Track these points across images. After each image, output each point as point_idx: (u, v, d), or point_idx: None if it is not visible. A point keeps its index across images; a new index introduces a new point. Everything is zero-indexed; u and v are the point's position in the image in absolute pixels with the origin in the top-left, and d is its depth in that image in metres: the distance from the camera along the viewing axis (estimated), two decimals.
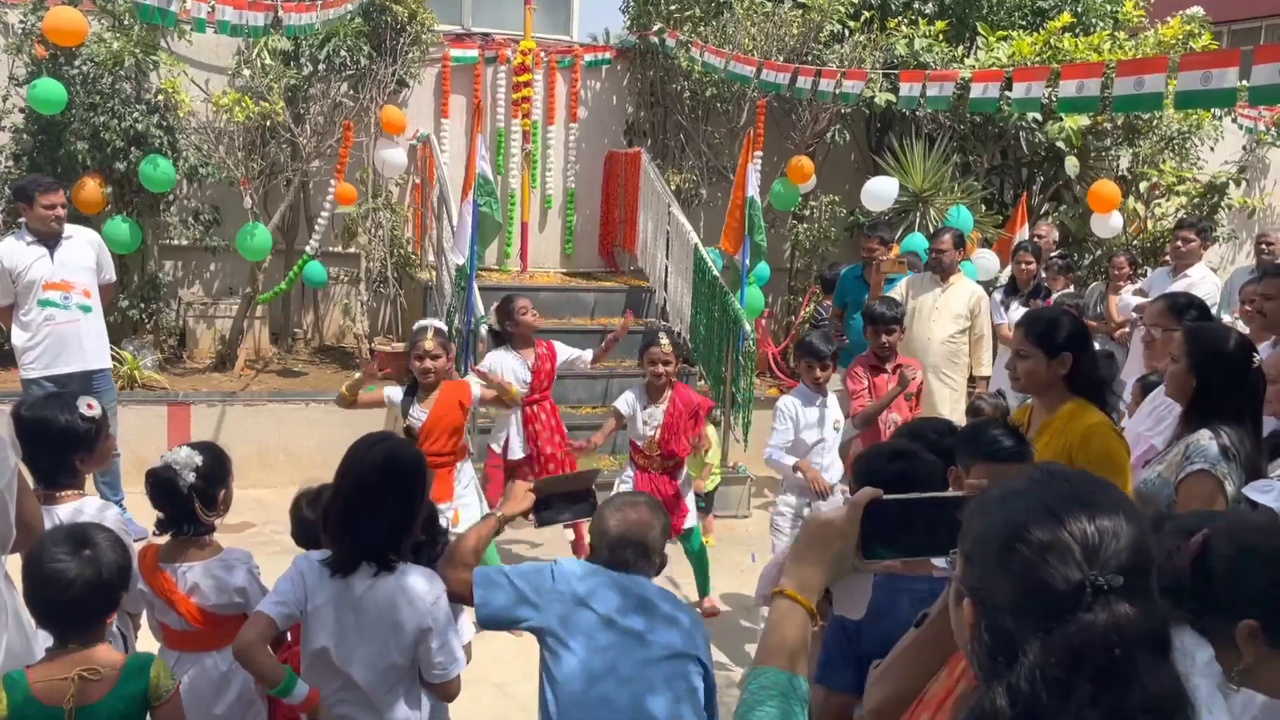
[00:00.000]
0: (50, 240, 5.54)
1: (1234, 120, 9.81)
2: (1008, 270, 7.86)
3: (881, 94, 8.16)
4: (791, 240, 9.23)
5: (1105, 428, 2.99)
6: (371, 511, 2.49)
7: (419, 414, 4.83)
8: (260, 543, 5.61)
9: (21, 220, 5.68)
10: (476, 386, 5.00)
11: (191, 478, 2.77)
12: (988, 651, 1.06)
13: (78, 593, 2.27)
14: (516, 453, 5.60)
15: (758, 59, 7.87)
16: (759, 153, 7.73)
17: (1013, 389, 3.55)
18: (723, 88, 8.78)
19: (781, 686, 1.33)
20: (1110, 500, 1.09)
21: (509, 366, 5.48)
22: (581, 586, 2.47)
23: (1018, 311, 6.87)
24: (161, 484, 2.80)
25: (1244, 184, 10.39)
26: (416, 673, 2.57)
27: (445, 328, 5.17)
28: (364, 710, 2.51)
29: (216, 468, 2.84)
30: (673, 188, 8.43)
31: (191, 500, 2.77)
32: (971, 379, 6.52)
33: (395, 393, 4.99)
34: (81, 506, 2.85)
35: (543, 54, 9.08)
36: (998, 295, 7.18)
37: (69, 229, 5.66)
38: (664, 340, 5.11)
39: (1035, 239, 7.75)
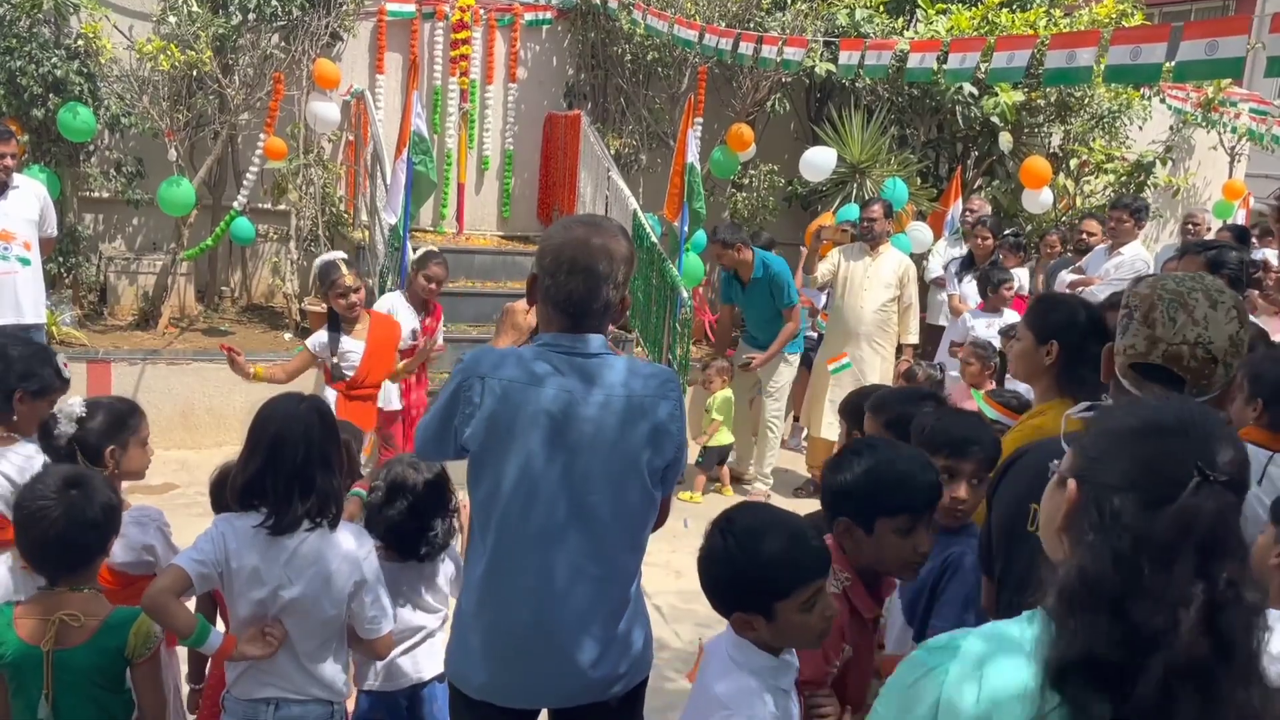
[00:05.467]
0: None
1: (1162, 101, 10.03)
2: (941, 242, 7.96)
3: (822, 64, 8.17)
4: (730, 208, 9.23)
5: (1038, 432, 2.48)
6: (328, 467, 2.44)
7: (353, 346, 4.75)
8: (183, 504, 5.50)
9: None
10: (407, 329, 5.00)
11: (70, 429, 2.65)
12: (1090, 524, 1.25)
13: (61, 531, 2.24)
14: (393, 404, 5.43)
15: (700, 24, 7.81)
16: (699, 119, 7.70)
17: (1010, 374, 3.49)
18: (664, 52, 8.71)
19: None
20: (1227, 429, 1.30)
21: (402, 314, 5.36)
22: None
23: (970, 285, 6.98)
24: (43, 432, 2.71)
25: (1170, 164, 10.64)
26: (345, 633, 2.54)
27: (347, 256, 5.04)
28: (293, 669, 2.46)
29: (108, 423, 2.69)
30: (612, 152, 8.36)
31: (73, 452, 2.64)
32: (899, 347, 6.63)
33: (317, 338, 4.86)
34: (4, 452, 2.77)
35: (482, 11, 8.91)
36: (953, 268, 7.27)
37: (16, 179, 5.49)
38: None
39: (968, 211, 7.86)
